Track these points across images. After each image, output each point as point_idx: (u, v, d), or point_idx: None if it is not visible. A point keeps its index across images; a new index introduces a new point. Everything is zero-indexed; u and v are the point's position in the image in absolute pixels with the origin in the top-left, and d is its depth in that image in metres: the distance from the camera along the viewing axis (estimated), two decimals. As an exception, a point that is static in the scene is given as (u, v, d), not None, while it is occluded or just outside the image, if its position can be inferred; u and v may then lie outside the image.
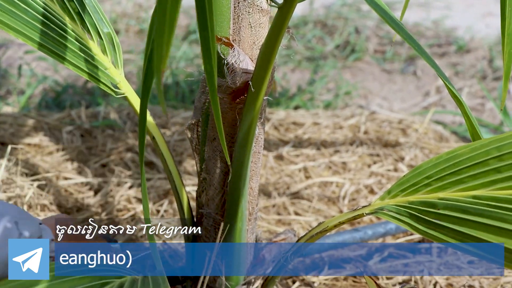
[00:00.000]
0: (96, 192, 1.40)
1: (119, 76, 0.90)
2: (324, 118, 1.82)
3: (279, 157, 1.63)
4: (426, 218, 0.76)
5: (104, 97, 2.08)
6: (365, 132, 1.75)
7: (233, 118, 0.89)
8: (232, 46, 0.84)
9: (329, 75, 2.40)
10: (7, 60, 2.39)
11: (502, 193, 0.73)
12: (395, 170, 1.58)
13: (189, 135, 0.95)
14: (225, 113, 0.88)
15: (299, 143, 1.69)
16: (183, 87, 2.17)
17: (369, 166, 1.61)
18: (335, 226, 0.87)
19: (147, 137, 1.61)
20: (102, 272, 0.65)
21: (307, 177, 1.57)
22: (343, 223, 0.86)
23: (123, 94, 0.90)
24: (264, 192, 1.49)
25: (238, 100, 0.88)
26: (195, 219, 0.99)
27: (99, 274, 0.64)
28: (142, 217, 1.30)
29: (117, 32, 2.75)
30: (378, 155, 1.65)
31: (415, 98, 2.32)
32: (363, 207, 0.84)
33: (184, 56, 2.46)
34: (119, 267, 0.68)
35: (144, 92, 0.65)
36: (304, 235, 0.91)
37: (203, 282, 0.98)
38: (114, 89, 0.90)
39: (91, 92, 2.15)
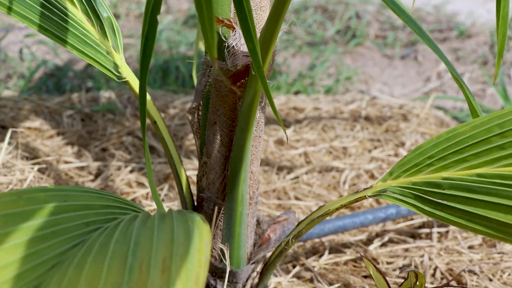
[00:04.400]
0: (96, 176, 1.40)
1: (120, 60, 0.90)
2: (324, 103, 1.82)
3: (280, 142, 1.63)
4: (431, 198, 0.75)
5: (105, 81, 2.07)
6: (366, 117, 1.74)
7: (234, 102, 0.89)
8: (234, 28, 0.84)
9: (329, 60, 2.39)
10: (8, 44, 2.39)
11: (507, 170, 0.72)
12: (396, 155, 1.58)
13: (190, 119, 0.95)
14: (225, 97, 0.88)
15: (299, 128, 1.69)
16: (183, 71, 2.17)
17: (369, 151, 1.61)
18: (337, 209, 0.87)
19: (147, 121, 1.61)
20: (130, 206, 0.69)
21: (308, 162, 1.56)
22: (345, 205, 0.86)
23: (125, 78, 0.90)
24: (264, 177, 1.49)
25: (238, 83, 0.87)
26: (195, 203, 0.99)
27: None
28: (143, 201, 1.30)
29: (118, 17, 2.74)
30: (378, 140, 1.64)
31: (416, 84, 2.31)
32: (365, 189, 0.83)
33: (184, 41, 2.45)
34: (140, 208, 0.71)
35: (142, 72, 0.65)
36: (305, 218, 0.91)
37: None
38: (115, 73, 0.89)
39: (91, 76, 2.15)
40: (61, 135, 1.54)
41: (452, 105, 2.11)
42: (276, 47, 0.87)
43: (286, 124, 1.71)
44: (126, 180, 1.37)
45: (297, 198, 1.43)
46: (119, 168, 1.43)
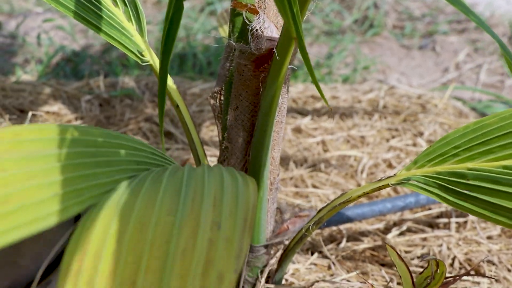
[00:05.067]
0: (115, 161, 1.40)
1: (144, 44, 0.90)
2: (342, 91, 1.81)
3: (297, 130, 1.62)
4: (456, 188, 0.75)
5: (123, 67, 2.07)
6: (384, 107, 1.74)
7: (257, 87, 0.89)
8: (257, 12, 0.83)
9: (347, 50, 2.38)
10: (26, 29, 2.39)
11: None
12: (414, 145, 1.57)
13: (212, 103, 0.95)
14: (248, 81, 0.88)
15: (317, 116, 1.69)
16: (200, 58, 2.16)
17: (387, 140, 1.60)
18: (359, 196, 0.86)
19: (167, 106, 1.61)
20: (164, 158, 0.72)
21: (325, 150, 1.56)
22: (367, 193, 0.86)
23: (148, 61, 0.90)
24: (282, 164, 1.49)
25: (262, 68, 0.87)
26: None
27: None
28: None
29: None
30: (396, 130, 1.64)
31: (434, 74, 2.30)
32: (389, 177, 0.83)
33: (201, 28, 2.45)
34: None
35: (164, 55, 0.64)
36: (327, 205, 0.91)
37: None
38: (140, 56, 0.89)
39: (108, 62, 2.15)
40: (79, 120, 1.54)
41: (470, 96, 2.10)
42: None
43: (303, 113, 1.70)
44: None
45: (314, 186, 1.43)
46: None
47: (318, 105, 1.74)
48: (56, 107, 1.57)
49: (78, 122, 1.52)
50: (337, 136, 1.60)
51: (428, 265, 0.88)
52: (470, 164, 0.77)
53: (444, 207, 1.34)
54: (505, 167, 0.74)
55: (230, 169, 0.64)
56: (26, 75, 1.94)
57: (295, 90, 1.79)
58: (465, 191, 0.74)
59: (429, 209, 1.35)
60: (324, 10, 2.73)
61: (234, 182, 0.59)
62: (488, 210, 0.72)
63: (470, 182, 0.75)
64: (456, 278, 0.93)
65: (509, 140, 0.75)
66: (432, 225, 1.32)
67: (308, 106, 1.74)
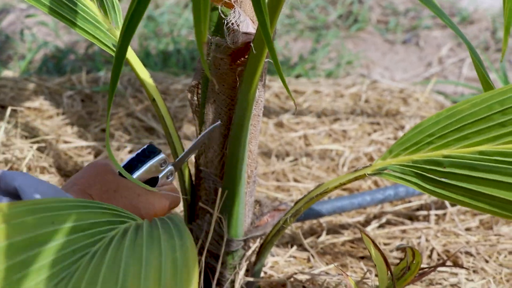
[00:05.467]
0: (95, 156, 1.40)
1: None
2: (325, 86, 1.82)
3: (280, 125, 1.63)
4: (433, 176, 0.75)
5: (105, 63, 2.07)
6: (366, 101, 1.74)
7: (233, 80, 0.89)
8: (233, 6, 0.84)
9: (331, 45, 2.39)
10: (8, 25, 2.38)
11: (509, 147, 0.72)
12: (395, 138, 1.58)
13: (190, 97, 0.95)
14: (225, 75, 0.88)
15: (299, 111, 1.69)
16: (184, 54, 2.16)
17: (369, 134, 1.61)
18: (336, 187, 0.87)
19: (147, 102, 1.61)
20: (121, 213, 0.65)
21: (307, 145, 1.57)
22: (344, 184, 0.86)
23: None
24: (264, 158, 1.49)
25: (238, 62, 0.88)
26: (194, 182, 0.99)
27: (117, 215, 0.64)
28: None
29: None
30: (378, 124, 1.65)
31: (417, 69, 2.31)
32: (365, 167, 0.83)
33: (186, 24, 2.45)
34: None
35: (126, 35, 0.63)
36: (304, 197, 0.92)
37: (203, 243, 0.99)
38: (115, 50, 0.89)
39: (92, 58, 2.14)
40: (61, 115, 1.54)
41: (453, 90, 2.11)
42: (276, 28, 0.87)
43: (286, 107, 1.71)
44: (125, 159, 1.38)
45: (296, 180, 1.43)
46: (118, 148, 1.43)
47: (301, 99, 1.74)
48: (38, 102, 1.56)
49: (60, 118, 1.52)
50: (319, 131, 1.60)
51: (405, 255, 0.89)
52: (445, 151, 0.77)
53: (423, 199, 1.35)
54: (481, 152, 0.74)
55: (171, 244, 0.59)
56: (9, 71, 1.94)
57: (278, 85, 1.79)
58: (442, 179, 0.75)
59: (409, 201, 1.36)
60: (309, 6, 2.73)
61: (173, 270, 0.55)
62: (467, 197, 0.72)
63: (447, 169, 0.75)
64: (432, 269, 0.94)
65: (483, 126, 0.75)
66: (412, 218, 1.33)
67: (291, 101, 1.75)
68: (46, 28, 2.39)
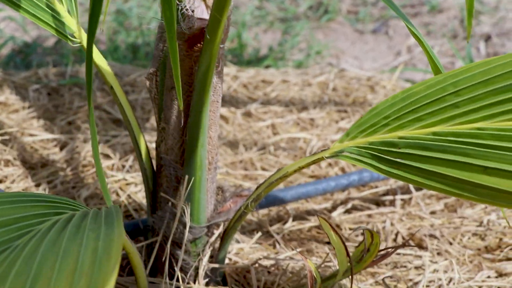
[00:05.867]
0: (61, 149, 1.40)
1: (75, 25, 0.90)
2: (293, 76, 1.83)
3: (247, 114, 1.63)
4: (388, 157, 0.76)
5: (75, 57, 2.06)
6: (334, 89, 1.75)
7: (190, 66, 0.89)
8: (187, -8, 0.84)
9: (301, 35, 2.39)
10: (-25, 21, 2.36)
11: (461, 127, 0.73)
12: (362, 126, 1.59)
13: (148, 85, 0.95)
14: (182, 61, 0.88)
15: (267, 101, 1.70)
16: (153, 47, 2.16)
17: (336, 122, 1.62)
18: (295, 171, 0.88)
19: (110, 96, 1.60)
20: (60, 205, 0.64)
21: (275, 134, 1.57)
22: (302, 167, 0.87)
23: (79, 43, 0.90)
24: (232, 148, 1.50)
25: (194, 48, 0.88)
26: (155, 169, 0.99)
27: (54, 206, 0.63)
28: (108, 171, 1.30)
29: (88, -7, 2.71)
30: (346, 111, 1.66)
31: (387, 58, 2.32)
32: (323, 150, 0.84)
33: (155, 17, 2.44)
34: (76, 203, 0.67)
35: (91, 25, 0.63)
36: (264, 182, 0.92)
37: (166, 232, 0.99)
38: (70, 37, 0.89)
39: (60, 52, 2.13)
40: (27, 109, 1.53)
41: (421, 78, 2.13)
42: (231, 12, 0.87)
43: (254, 97, 1.71)
44: (91, 152, 1.37)
45: (263, 169, 1.44)
46: (85, 141, 1.43)
47: (269, 89, 1.75)
48: (3, 97, 1.55)
49: (25, 112, 1.51)
50: (287, 119, 1.61)
51: (364, 238, 0.90)
52: (400, 133, 0.78)
53: (389, 184, 1.36)
54: (434, 133, 0.75)
55: (96, 234, 0.58)
56: (-25, 66, 1.92)
57: (246, 75, 1.80)
58: (397, 159, 0.75)
59: (376, 187, 1.37)
60: (279, -3, 2.73)
61: (92, 261, 0.53)
62: (420, 176, 0.73)
63: (402, 150, 0.76)
64: (393, 250, 0.95)
65: (437, 107, 0.76)
66: (378, 203, 1.34)
67: (259, 91, 1.75)
68: (14, 23, 2.37)
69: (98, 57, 0.91)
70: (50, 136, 1.42)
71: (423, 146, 0.74)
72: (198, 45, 0.88)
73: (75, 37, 0.89)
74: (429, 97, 0.78)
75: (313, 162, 0.86)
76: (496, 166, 0.66)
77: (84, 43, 0.90)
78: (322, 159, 0.84)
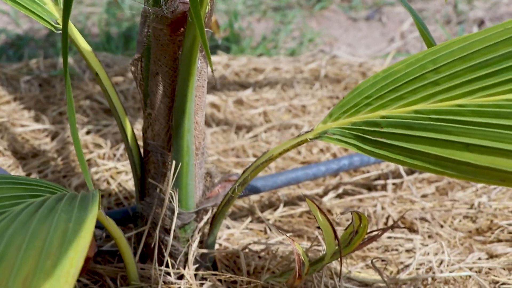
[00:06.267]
0: (52, 139, 1.40)
1: (58, 12, 0.89)
2: (285, 63, 1.82)
3: (239, 102, 1.63)
4: (371, 137, 0.76)
5: (68, 49, 2.06)
6: (325, 76, 1.75)
7: (174, 51, 0.89)
8: (169, -24, 0.83)
9: (293, 23, 2.39)
10: (-33, 14, 2.36)
11: (442, 105, 0.73)
12: (354, 111, 1.59)
13: (133, 71, 0.95)
14: (165, 46, 0.88)
15: (259, 88, 1.69)
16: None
17: (328, 108, 1.62)
18: (280, 154, 0.87)
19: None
20: (38, 187, 0.64)
21: (267, 121, 1.57)
22: (287, 150, 0.87)
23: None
24: (223, 136, 1.50)
25: (178, 32, 0.87)
26: (142, 155, 0.99)
27: (34, 189, 0.63)
28: (99, 160, 1.30)
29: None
30: (337, 98, 1.65)
31: (380, 44, 2.32)
32: (307, 132, 0.84)
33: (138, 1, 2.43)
34: (55, 186, 0.67)
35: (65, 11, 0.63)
36: (250, 166, 0.92)
37: (154, 218, 0.99)
38: (54, 25, 0.89)
39: (53, 44, 2.13)
40: (18, 100, 1.53)
41: (414, 64, 2.12)
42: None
43: (245, 85, 1.71)
44: (82, 141, 1.37)
45: (255, 156, 1.44)
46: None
47: (261, 77, 1.74)
48: (-6, 88, 1.55)
49: (17, 103, 1.51)
50: (279, 107, 1.61)
51: (352, 220, 0.90)
52: (383, 112, 0.78)
53: (380, 169, 1.36)
54: (416, 111, 0.75)
55: (68, 216, 0.58)
56: (-34, 59, 1.92)
57: (238, 64, 1.79)
58: (380, 139, 0.75)
59: (367, 172, 1.37)
60: (272, -14, 2.73)
61: (60, 241, 0.53)
62: (403, 155, 0.73)
63: (384, 129, 0.76)
64: (382, 232, 0.95)
65: (418, 85, 0.76)
66: (370, 187, 1.34)
67: (251, 78, 1.75)
68: (6, 17, 2.37)
69: (82, 44, 0.91)
70: (41, 126, 1.42)
71: (405, 125, 0.74)
72: (181, 29, 0.87)
73: (58, 23, 0.88)
74: (410, 75, 0.77)
75: (298, 144, 0.86)
76: (477, 142, 0.66)
77: (69, 30, 0.89)
78: (306, 141, 0.84)
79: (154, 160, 0.97)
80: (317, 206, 0.84)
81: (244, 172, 0.93)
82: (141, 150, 0.99)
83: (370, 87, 0.79)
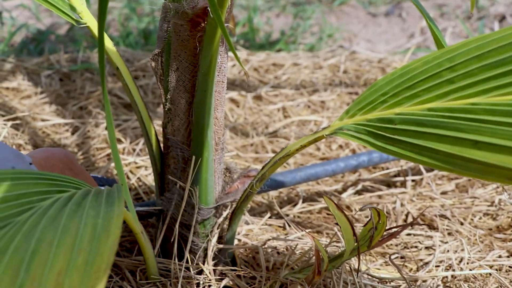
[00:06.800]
0: (73, 133, 1.41)
1: (81, 6, 0.90)
2: (304, 59, 1.82)
3: (258, 98, 1.63)
4: (384, 134, 0.76)
5: (88, 44, 2.07)
6: (345, 71, 1.74)
7: (195, 47, 0.89)
8: (190, -29, 0.83)
9: (313, 19, 2.38)
10: (-12, 9, 2.38)
11: (456, 103, 0.72)
12: (374, 107, 1.58)
13: (154, 66, 0.95)
14: (186, 41, 0.88)
15: (278, 84, 1.69)
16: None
17: (347, 104, 1.61)
18: (297, 150, 0.87)
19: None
20: (63, 183, 0.64)
21: (286, 117, 1.57)
22: (304, 146, 0.86)
23: (85, 23, 0.90)
24: (242, 131, 1.50)
25: (198, 28, 0.87)
26: (162, 151, 0.99)
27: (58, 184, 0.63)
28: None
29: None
30: (357, 93, 1.65)
31: (400, 40, 2.31)
32: (323, 129, 0.84)
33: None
34: (79, 182, 0.67)
35: (101, 10, 0.63)
36: (268, 162, 0.92)
37: (174, 214, 0.99)
38: (76, 19, 0.89)
39: (73, 39, 2.14)
40: (39, 95, 1.54)
41: (434, 60, 2.11)
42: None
43: (264, 81, 1.71)
44: (102, 136, 1.38)
45: (274, 152, 1.44)
46: (96, 125, 1.43)
47: (279, 72, 1.74)
48: (16, 83, 1.56)
49: (38, 97, 1.52)
50: (298, 102, 1.61)
51: (371, 217, 0.90)
52: (397, 109, 0.77)
53: (400, 166, 1.35)
54: (430, 109, 0.75)
55: (96, 211, 0.58)
56: (-12, 54, 1.93)
57: (257, 59, 1.79)
58: (392, 136, 0.75)
59: (387, 168, 1.36)
60: (291, -19, 2.72)
61: (91, 238, 0.54)
62: (414, 152, 0.72)
63: (397, 126, 0.75)
64: (401, 228, 0.94)
65: (433, 83, 0.76)
66: (389, 184, 1.33)
67: (270, 74, 1.75)
68: (28, 11, 2.39)
69: (105, 40, 0.91)
70: (61, 121, 1.43)
71: (418, 122, 0.74)
72: (202, 25, 0.87)
73: (81, 18, 0.89)
74: (426, 72, 0.77)
75: (315, 140, 0.86)
76: (486, 140, 0.65)
77: (89, 24, 0.90)
78: (323, 137, 0.84)
79: (174, 155, 0.97)
80: (335, 203, 0.84)
81: (262, 168, 0.93)
82: (161, 145, 1.00)
83: (386, 84, 0.79)
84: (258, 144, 1.45)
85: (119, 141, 1.38)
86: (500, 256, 1.09)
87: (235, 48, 1.89)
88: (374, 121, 0.77)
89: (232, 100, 1.60)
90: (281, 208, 1.24)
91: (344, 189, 1.31)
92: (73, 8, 0.88)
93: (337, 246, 1.07)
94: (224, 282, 0.97)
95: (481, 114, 0.68)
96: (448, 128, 0.69)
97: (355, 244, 0.89)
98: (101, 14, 0.63)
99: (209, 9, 0.82)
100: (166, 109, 0.95)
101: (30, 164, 0.82)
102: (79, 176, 0.90)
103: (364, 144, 0.76)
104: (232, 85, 1.67)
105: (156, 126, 1.06)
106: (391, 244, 1.13)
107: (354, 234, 0.87)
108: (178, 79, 0.92)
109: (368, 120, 0.78)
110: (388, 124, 0.75)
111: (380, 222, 0.89)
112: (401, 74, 0.77)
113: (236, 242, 1.10)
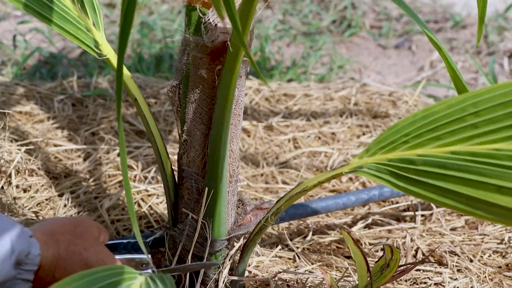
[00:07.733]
0: (85, 159, 1.41)
1: (101, 38, 0.91)
2: (315, 89, 1.83)
3: (269, 128, 1.64)
4: (406, 174, 0.76)
5: (100, 69, 2.08)
6: (356, 104, 1.75)
7: (213, 80, 0.90)
8: (211, 6, 0.85)
9: (323, 49, 2.40)
10: (3, 32, 2.40)
11: (479, 148, 0.73)
12: (384, 140, 1.59)
13: (171, 98, 0.96)
14: (204, 74, 0.89)
15: (289, 114, 1.70)
16: (176, 59, 2.17)
17: (358, 136, 1.62)
18: (315, 185, 0.88)
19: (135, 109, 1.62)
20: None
21: (296, 147, 1.58)
22: (322, 182, 0.87)
23: (105, 56, 0.91)
24: (253, 161, 1.50)
25: (217, 61, 0.89)
26: (177, 181, 1.00)
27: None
28: (130, 183, 1.31)
29: (114, 6, 2.74)
30: (367, 126, 1.66)
31: (409, 73, 2.32)
32: (342, 166, 0.84)
33: (179, 29, 2.46)
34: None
35: (121, 45, 0.64)
36: (284, 195, 0.93)
37: (186, 245, 0.99)
38: (96, 50, 0.91)
39: (85, 64, 2.16)
40: (52, 120, 1.55)
41: (444, 94, 2.12)
42: (253, 25, 0.88)
43: (276, 111, 1.72)
44: (115, 163, 1.39)
45: (284, 182, 1.44)
46: (108, 151, 1.44)
47: (291, 103, 1.75)
48: (29, 107, 1.58)
49: (50, 122, 1.53)
50: (308, 133, 1.61)
51: (384, 253, 0.90)
52: (419, 151, 0.78)
53: (410, 200, 1.36)
54: (453, 152, 0.75)
55: None
56: (1, 76, 1.95)
57: (268, 89, 1.80)
58: (414, 177, 0.76)
59: (396, 203, 1.36)
60: (303, 11, 2.74)
61: None
62: (436, 193, 0.73)
63: (419, 167, 0.76)
64: (412, 266, 0.94)
65: (457, 126, 0.77)
66: (399, 218, 1.33)
67: (281, 104, 1.76)
68: (40, 35, 2.41)
69: (123, 72, 0.92)
70: (74, 146, 1.44)
71: (440, 164, 0.75)
72: (221, 58, 0.89)
73: (100, 50, 0.90)
74: (449, 116, 0.78)
75: (333, 177, 0.86)
76: (510, 185, 0.66)
77: (109, 56, 0.91)
78: (341, 174, 0.85)
79: (188, 186, 0.97)
80: (353, 239, 0.84)
81: (277, 201, 0.94)
82: (175, 175, 1.00)
83: (408, 125, 0.80)
84: (269, 174, 1.45)
85: (131, 168, 1.39)
86: (510, 295, 1.09)
87: (247, 77, 1.90)
88: (395, 161, 0.78)
89: (243, 130, 1.61)
90: (291, 239, 1.24)
91: (354, 222, 1.31)
92: (96, 42, 0.89)
93: (347, 281, 1.07)
94: (234, 315, 0.97)
95: (505, 160, 0.68)
96: (471, 172, 0.70)
97: (368, 279, 0.90)
98: (121, 50, 0.64)
99: (228, 43, 0.83)
100: (182, 140, 0.96)
101: (31, 237, 0.83)
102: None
103: (386, 184, 0.77)
104: (244, 114, 1.68)
105: (170, 155, 1.06)
106: (401, 279, 1.13)
107: (368, 270, 0.87)
108: (195, 111, 0.93)
109: (390, 159, 0.79)
110: (410, 165, 0.76)
111: (393, 259, 0.89)
112: (424, 116, 0.78)
113: (246, 273, 1.10)
